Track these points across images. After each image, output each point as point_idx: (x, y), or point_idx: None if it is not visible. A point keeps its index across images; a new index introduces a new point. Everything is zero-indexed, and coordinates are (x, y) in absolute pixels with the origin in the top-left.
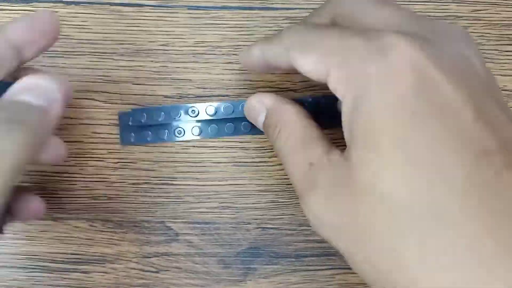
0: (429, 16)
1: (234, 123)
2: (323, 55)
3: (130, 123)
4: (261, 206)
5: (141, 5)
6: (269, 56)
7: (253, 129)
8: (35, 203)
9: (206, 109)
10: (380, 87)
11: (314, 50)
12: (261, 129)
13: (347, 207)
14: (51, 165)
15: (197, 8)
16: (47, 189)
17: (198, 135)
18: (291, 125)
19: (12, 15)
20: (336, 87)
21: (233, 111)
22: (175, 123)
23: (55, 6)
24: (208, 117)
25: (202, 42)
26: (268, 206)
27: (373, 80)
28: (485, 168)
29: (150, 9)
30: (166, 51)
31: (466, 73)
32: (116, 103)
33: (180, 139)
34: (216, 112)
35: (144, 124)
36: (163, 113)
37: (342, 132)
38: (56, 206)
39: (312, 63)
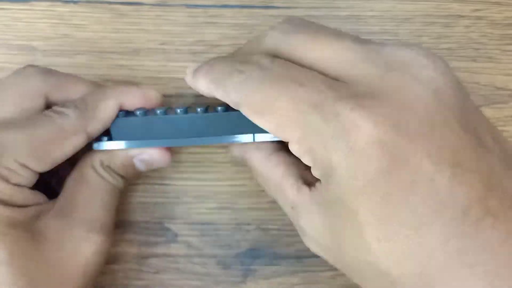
0: (429, 16)
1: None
2: (281, 125)
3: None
4: (261, 207)
5: (140, 4)
6: (217, 95)
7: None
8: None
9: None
10: (348, 173)
11: (269, 114)
12: None
13: (333, 255)
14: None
15: (196, 6)
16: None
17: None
18: (259, 172)
19: (12, 14)
20: (300, 156)
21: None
22: None
23: (54, 5)
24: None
25: (201, 41)
26: (268, 206)
27: (340, 166)
28: (462, 225)
29: (148, 7)
30: (165, 50)
31: (437, 123)
32: None
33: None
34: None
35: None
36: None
37: None
38: None
39: (268, 128)
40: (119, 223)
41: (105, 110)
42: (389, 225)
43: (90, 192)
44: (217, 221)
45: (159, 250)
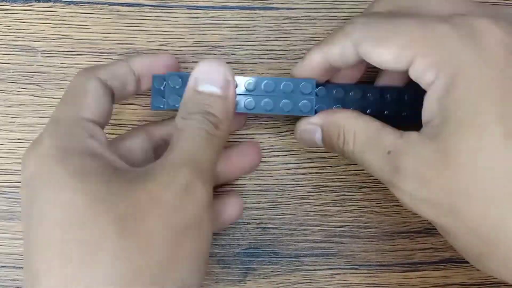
0: None
1: (273, 100)
2: (405, 44)
3: (162, 87)
4: (261, 206)
5: (141, 5)
6: (333, 56)
7: (292, 109)
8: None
9: (245, 84)
10: (478, 70)
11: (392, 40)
12: (321, 146)
13: (443, 182)
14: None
15: (197, 8)
16: None
17: (251, 109)
18: (352, 127)
19: (12, 15)
20: (423, 74)
21: (273, 89)
22: None
23: (54, 6)
24: (246, 92)
25: (202, 42)
26: (268, 206)
27: (470, 63)
28: None
29: (149, 9)
30: (165, 51)
31: None
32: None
33: None
34: (255, 88)
35: (178, 90)
36: None
37: None
38: None
39: (391, 53)
40: None
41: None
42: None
43: (186, 135)
44: None
45: None
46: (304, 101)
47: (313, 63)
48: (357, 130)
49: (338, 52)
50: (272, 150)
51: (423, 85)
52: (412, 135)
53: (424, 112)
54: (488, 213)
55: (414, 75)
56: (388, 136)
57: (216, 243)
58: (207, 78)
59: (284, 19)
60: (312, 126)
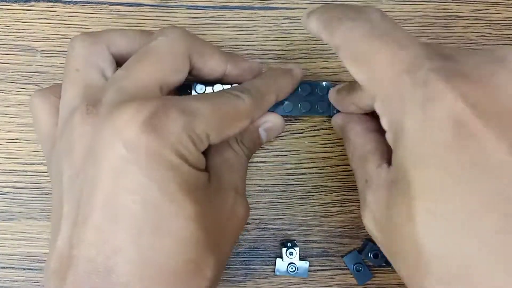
0: (428, 16)
1: (311, 102)
2: (372, 78)
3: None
4: (261, 206)
5: (140, 5)
6: (323, 36)
7: (327, 110)
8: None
9: None
10: (417, 138)
11: (365, 65)
12: None
13: (386, 236)
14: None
15: (196, 7)
16: (44, 189)
17: (272, 111)
18: (352, 142)
19: (11, 14)
20: (380, 115)
21: (310, 92)
22: None
23: (54, 5)
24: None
25: None
26: (268, 206)
27: (412, 130)
28: None
29: (149, 8)
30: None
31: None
32: None
33: None
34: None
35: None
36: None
37: None
38: None
39: (363, 78)
40: None
41: (268, 102)
42: (441, 201)
43: (229, 165)
44: None
45: None
46: (321, 102)
47: (309, 25)
48: (353, 147)
49: (316, 33)
50: (272, 150)
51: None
52: (382, 170)
53: (386, 132)
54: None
55: (376, 108)
56: (370, 164)
57: None
58: (274, 130)
59: (283, 19)
60: (336, 124)
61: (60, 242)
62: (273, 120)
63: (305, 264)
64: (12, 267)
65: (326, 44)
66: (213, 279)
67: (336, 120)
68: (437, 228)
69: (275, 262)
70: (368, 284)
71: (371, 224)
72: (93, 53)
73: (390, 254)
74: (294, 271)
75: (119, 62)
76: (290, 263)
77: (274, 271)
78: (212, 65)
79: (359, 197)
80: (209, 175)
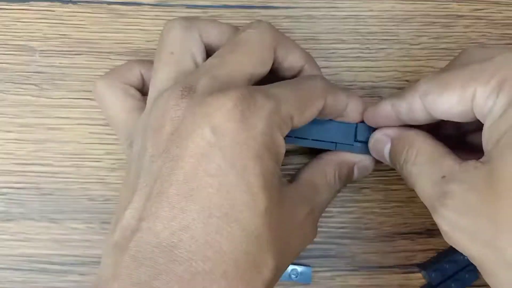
0: (429, 15)
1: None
2: (466, 83)
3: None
4: None
5: (139, 4)
6: (401, 110)
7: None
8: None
9: None
10: None
11: (455, 82)
12: (387, 161)
13: (486, 209)
14: None
15: (196, 6)
16: (43, 189)
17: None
18: (420, 144)
19: (10, 14)
20: (484, 105)
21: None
22: None
23: (52, 5)
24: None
25: None
26: None
27: None
28: None
29: (148, 8)
30: None
31: None
32: None
33: None
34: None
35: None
36: None
37: None
38: (53, 207)
39: (455, 95)
40: None
41: (336, 89)
42: None
43: (314, 185)
44: None
45: None
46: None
47: (383, 113)
48: (422, 148)
49: (406, 107)
50: None
51: (483, 119)
52: (470, 162)
53: (483, 140)
54: None
55: (477, 110)
56: (448, 161)
57: None
58: (366, 170)
59: (284, 18)
60: (384, 137)
61: (129, 214)
62: (367, 161)
63: (307, 270)
64: (11, 268)
65: (326, 44)
66: (267, 283)
67: (388, 132)
68: None
69: None
70: (368, 285)
71: (456, 211)
72: (189, 38)
73: (476, 256)
74: (296, 276)
75: (207, 51)
76: (292, 269)
77: None
78: (292, 60)
79: (424, 199)
80: (291, 184)
